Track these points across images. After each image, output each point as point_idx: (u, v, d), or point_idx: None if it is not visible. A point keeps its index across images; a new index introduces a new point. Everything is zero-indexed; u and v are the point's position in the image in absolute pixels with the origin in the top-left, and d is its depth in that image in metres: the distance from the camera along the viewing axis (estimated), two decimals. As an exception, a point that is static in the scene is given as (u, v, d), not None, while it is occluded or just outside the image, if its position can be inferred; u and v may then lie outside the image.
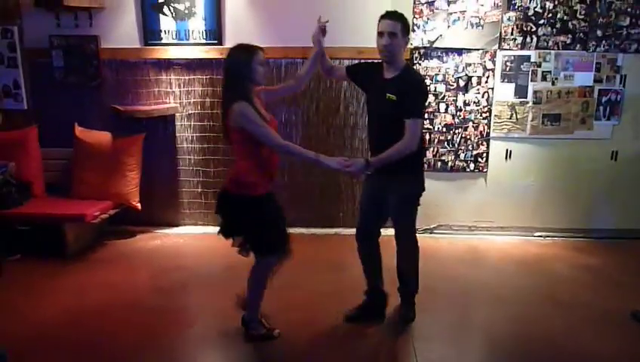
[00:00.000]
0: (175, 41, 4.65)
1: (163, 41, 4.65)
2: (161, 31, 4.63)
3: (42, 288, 3.73)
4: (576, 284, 3.87)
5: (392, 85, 2.94)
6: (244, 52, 2.75)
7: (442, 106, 4.67)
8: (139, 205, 4.64)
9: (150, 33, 4.63)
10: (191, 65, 4.71)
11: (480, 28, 4.51)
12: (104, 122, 4.72)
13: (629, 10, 4.46)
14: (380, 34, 2.95)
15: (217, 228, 4.88)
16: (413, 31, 4.49)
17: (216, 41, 4.63)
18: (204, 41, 4.65)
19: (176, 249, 4.54)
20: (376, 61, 3.17)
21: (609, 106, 4.63)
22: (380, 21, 2.97)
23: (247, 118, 2.66)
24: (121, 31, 4.65)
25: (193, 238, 4.78)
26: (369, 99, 3.22)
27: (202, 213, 4.99)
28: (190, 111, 4.81)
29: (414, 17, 4.49)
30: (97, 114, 4.77)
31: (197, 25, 4.61)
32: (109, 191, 4.52)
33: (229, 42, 4.62)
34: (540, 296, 3.67)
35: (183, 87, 4.77)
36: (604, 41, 4.52)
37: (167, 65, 4.72)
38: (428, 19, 4.51)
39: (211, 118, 4.81)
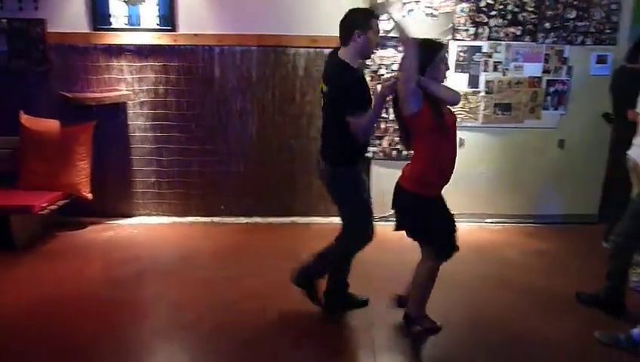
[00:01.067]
0: (126, 27, 4.52)
1: (113, 26, 4.51)
2: (111, 15, 4.49)
3: (-10, 281, 3.59)
4: (526, 269, 4.01)
5: None
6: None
7: (397, 95, 4.71)
8: (90, 195, 4.51)
9: (100, 18, 4.48)
10: (143, 52, 4.59)
11: (434, 18, 4.57)
12: (52, 109, 4.55)
13: (575, 3, 4.61)
14: (378, 32, 2.98)
15: (172, 218, 4.86)
16: (369, 20, 4.51)
17: (169, 27, 4.53)
18: (156, 27, 4.53)
19: (129, 240, 4.44)
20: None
21: (557, 96, 4.79)
22: (376, 20, 2.97)
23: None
24: (69, 14, 4.48)
25: (147, 229, 4.69)
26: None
27: (156, 203, 4.90)
28: (143, 99, 4.69)
29: (370, 6, 4.50)
30: (45, 101, 4.59)
31: (149, 10, 4.49)
32: (59, 181, 4.37)
33: (183, 28, 4.53)
34: (492, 281, 3.78)
35: (135, 74, 4.64)
36: (552, 33, 4.66)
37: (119, 51, 4.58)
38: (383, 8, 4.53)
39: (165, 106, 4.71)
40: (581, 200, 5.00)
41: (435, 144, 2.75)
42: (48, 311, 3.24)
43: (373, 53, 3.11)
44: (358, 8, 3.01)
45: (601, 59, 4.75)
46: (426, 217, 2.88)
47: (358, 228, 3.09)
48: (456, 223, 3.01)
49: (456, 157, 2.87)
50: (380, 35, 4.48)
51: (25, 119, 4.43)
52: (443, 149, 2.78)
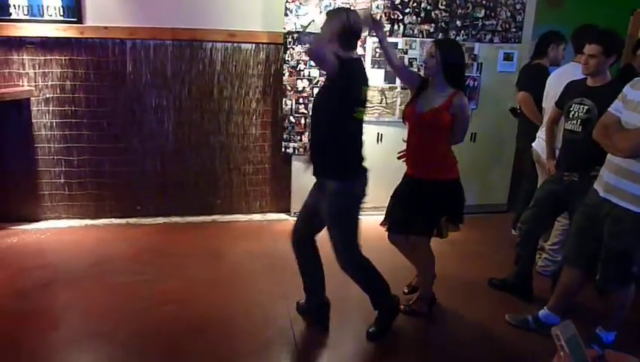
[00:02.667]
0: (27, 17, 4.21)
1: (12, 17, 4.19)
2: (9, 5, 4.16)
3: None
4: (440, 257, 4.10)
5: None
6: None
7: (316, 91, 4.72)
8: (-10, 199, 4.19)
9: (-4, 7, 4.15)
10: (47, 45, 4.29)
11: (351, 14, 4.61)
12: (-57, 107, 4.17)
13: (484, 2, 4.82)
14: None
15: (84, 221, 4.60)
16: (286, 15, 4.48)
17: (75, 19, 4.26)
18: (61, 18, 4.25)
19: (36, 246, 4.15)
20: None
21: (468, 92, 4.98)
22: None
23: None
24: (-40, 4, 4.12)
25: (57, 233, 4.41)
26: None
27: (66, 205, 4.62)
28: (48, 95, 4.39)
29: (287, 2, 4.47)
30: None
31: (52, 0, 4.21)
32: (-47, 184, 4.02)
33: (90, 21, 4.29)
34: (408, 269, 3.86)
35: (39, 68, 4.33)
36: (462, 31, 4.85)
37: (19, 43, 4.26)
38: (300, 4, 4.51)
39: (73, 102, 4.43)
40: (491, 190, 5.27)
41: None
42: (-56, 327, 2.97)
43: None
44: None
45: (507, 57, 5.00)
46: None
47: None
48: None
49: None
50: (298, 31, 4.50)
51: None
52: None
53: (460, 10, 4.79)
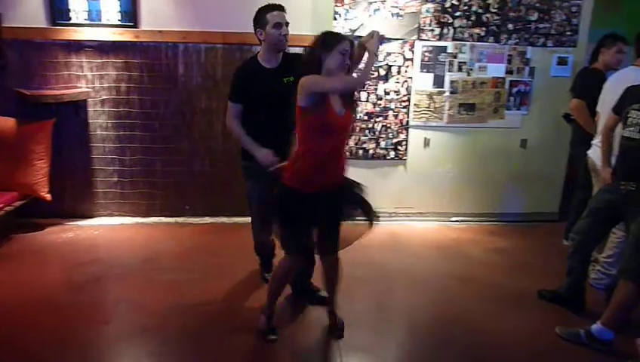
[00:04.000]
0: (86, 22, 4.39)
1: (72, 22, 4.37)
2: (70, 10, 4.35)
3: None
4: (489, 267, 4.07)
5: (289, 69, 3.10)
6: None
7: (364, 95, 4.72)
8: (48, 196, 4.37)
9: (58, 12, 4.33)
10: (104, 48, 4.46)
11: (400, 18, 4.59)
12: (7, 107, 4.37)
13: (537, 5, 4.70)
14: (279, 25, 3.10)
15: (135, 219, 4.75)
16: (335, 19, 4.50)
17: (131, 24, 4.41)
18: (118, 23, 4.41)
19: (90, 241, 4.31)
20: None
21: (519, 97, 4.87)
22: (272, 13, 3.09)
23: None
24: (26, 9, 4.31)
25: (109, 230, 4.56)
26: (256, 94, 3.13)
27: (119, 203, 4.78)
28: (104, 97, 4.56)
29: (336, 5, 4.49)
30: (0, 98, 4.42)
31: (110, 5, 4.37)
32: (15, 181, 4.22)
33: (145, 25, 4.43)
34: (457, 279, 3.82)
35: (96, 70, 4.51)
36: (514, 35, 4.74)
37: (78, 47, 4.44)
38: (349, 7, 4.52)
39: (127, 104, 4.59)
40: (542, 198, 5.11)
41: None
42: (3, 316, 3.11)
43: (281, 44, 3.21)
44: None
45: (561, 61, 4.86)
46: None
47: None
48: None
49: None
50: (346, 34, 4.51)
51: (-22, 117, 4.26)
52: None
53: (512, 14, 4.69)
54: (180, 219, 4.80)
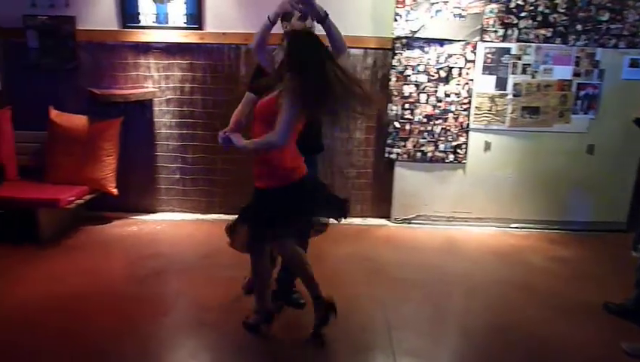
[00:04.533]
0: (154, 25, 4.56)
1: (142, 24, 4.56)
2: (139, 13, 4.53)
3: (16, 274, 3.65)
4: (551, 276, 3.93)
5: None
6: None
7: (423, 97, 4.67)
8: (115, 191, 4.57)
9: (129, 16, 4.53)
10: (170, 50, 4.63)
11: (462, 19, 4.51)
12: (80, 105, 4.62)
13: (608, 5, 4.50)
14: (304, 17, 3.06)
15: (195, 215, 4.89)
16: (396, 20, 4.48)
17: (196, 26, 4.56)
18: (184, 25, 4.56)
19: (152, 236, 4.48)
20: None
21: (587, 100, 4.68)
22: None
23: None
24: (99, 12, 4.54)
25: (170, 225, 4.73)
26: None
27: (180, 199, 4.94)
28: (169, 97, 4.74)
29: (397, 7, 4.46)
30: (73, 97, 4.67)
31: (177, 8, 4.52)
32: (85, 176, 4.44)
33: (210, 27, 4.56)
34: (515, 286, 3.72)
35: (162, 71, 4.68)
36: (583, 36, 4.56)
37: (146, 48, 4.63)
38: (410, 9, 4.48)
39: (190, 103, 4.74)
40: (609, 207, 4.89)
41: None
42: (68, 305, 3.28)
43: None
44: None
45: (634, 63, 4.63)
46: None
47: None
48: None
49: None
50: (407, 36, 4.48)
51: (54, 115, 4.51)
52: None
53: (581, 14, 4.51)
54: (238, 217, 4.90)
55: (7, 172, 4.43)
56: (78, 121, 4.51)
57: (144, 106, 4.72)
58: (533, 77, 4.62)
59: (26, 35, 4.54)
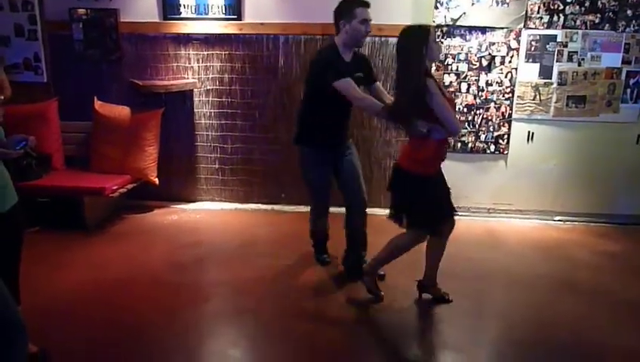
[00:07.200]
0: (194, 16, 4.61)
1: (182, 16, 4.61)
2: (180, 5, 4.59)
3: (61, 260, 3.78)
4: (596, 271, 3.81)
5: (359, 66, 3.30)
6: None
7: (464, 86, 4.57)
8: (157, 180, 4.66)
9: (169, 7, 4.59)
10: (210, 41, 4.67)
11: (505, 5, 4.39)
12: (123, 96, 4.73)
13: (662, -12, 4.30)
14: (365, 21, 3.16)
15: (234, 205, 4.94)
16: (436, 8, 4.40)
17: (235, 16, 4.58)
18: (223, 16, 4.59)
19: (192, 224, 4.56)
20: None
21: (637, 89, 4.49)
22: (362, 9, 3.15)
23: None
24: (141, 4, 4.62)
25: (210, 214, 4.80)
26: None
27: (219, 189, 5.01)
28: (208, 87, 4.79)
29: (438, -6, 4.38)
30: (116, 88, 4.78)
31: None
32: (128, 165, 4.54)
33: (248, 17, 4.57)
34: (559, 281, 3.61)
35: (202, 62, 4.74)
36: (634, 21, 4.37)
37: (186, 40, 4.69)
38: (452, -4, 4.39)
39: (229, 94, 4.78)
40: (660, 200, 4.70)
41: None
42: (112, 291, 3.37)
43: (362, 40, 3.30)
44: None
45: (687, 49, 4.42)
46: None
47: None
48: None
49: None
50: (448, 24, 4.40)
51: (98, 105, 4.63)
52: None
53: (632, -2, 4.32)
54: (277, 207, 4.93)
55: (54, 161, 4.57)
56: (121, 111, 4.61)
57: (184, 97, 4.79)
58: (579, 65, 4.47)
59: (72, 27, 4.66)
